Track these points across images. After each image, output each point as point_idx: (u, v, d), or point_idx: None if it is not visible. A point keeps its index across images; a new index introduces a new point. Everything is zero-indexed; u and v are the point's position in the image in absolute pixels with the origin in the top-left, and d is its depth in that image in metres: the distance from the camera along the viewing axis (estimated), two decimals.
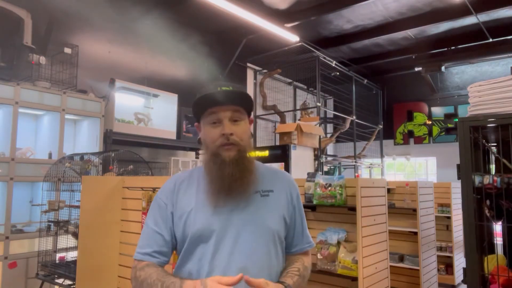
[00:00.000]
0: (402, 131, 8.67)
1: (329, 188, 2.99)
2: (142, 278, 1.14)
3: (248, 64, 7.09)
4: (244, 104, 1.23)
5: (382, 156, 8.44)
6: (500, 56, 6.94)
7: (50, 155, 3.91)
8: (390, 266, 3.29)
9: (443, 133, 8.14)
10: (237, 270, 1.09)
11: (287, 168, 5.35)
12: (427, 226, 4.37)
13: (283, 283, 1.13)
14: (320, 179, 3.11)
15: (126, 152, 3.43)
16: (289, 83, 8.02)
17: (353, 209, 2.86)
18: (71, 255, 3.17)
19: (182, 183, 1.28)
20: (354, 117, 7.38)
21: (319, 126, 6.83)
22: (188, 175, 1.30)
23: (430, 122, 8.28)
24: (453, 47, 6.89)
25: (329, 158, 7.08)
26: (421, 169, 8.81)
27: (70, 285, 2.84)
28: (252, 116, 1.30)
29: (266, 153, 5.58)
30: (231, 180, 1.16)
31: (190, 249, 1.18)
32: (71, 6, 4.39)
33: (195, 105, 1.22)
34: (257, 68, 7.24)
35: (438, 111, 8.24)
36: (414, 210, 4.24)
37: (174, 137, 5.09)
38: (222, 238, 1.15)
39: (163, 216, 1.23)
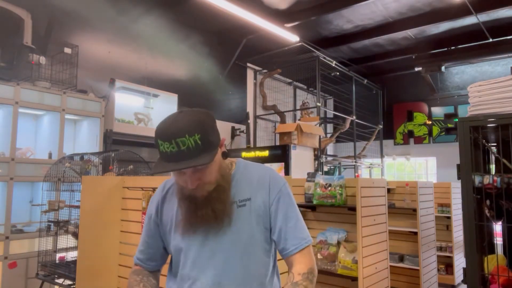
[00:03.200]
0: (402, 131, 8.67)
1: (329, 188, 2.99)
2: (128, 281, 1.30)
3: (248, 64, 7.09)
4: (204, 154, 1.06)
5: (382, 156, 8.44)
6: (500, 56, 6.94)
7: (50, 155, 3.91)
8: (390, 266, 3.29)
9: (443, 133, 8.14)
10: (212, 285, 1.14)
11: (287, 168, 5.35)
12: (427, 226, 4.37)
13: None
14: (320, 179, 3.11)
15: (126, 152, 3.43)
16: (289, 83, 8.02)
17: (353, 209, 2.86)
18: (71, 255, 3.16)
19: (168, 191, 1.30)
20: (354, 117, 7.38)
21: (319, 126, 6.83)
22: (174, 181, 1.27)
23: (430, 122, 8.28)
24: (453, 47, 6.89)
25: (329, 158, 7.08)
26: (421, 169, 8.81)
27: (70, 285, 2.83)
28: (222, 137, 1.17)
29: (266, 153, 5.58)
30: (203, 219, 1.14)
31: (175, 259, 1.26)
32: (71, 6, 4.39)
33: (159, 156, 1.11)
34: (257, 68, 7.24)
35: (438, 111, 8.24)
36: (414, 210, 4.24)
37: None
38: (199, 252, 1.18)
39: (150, 225, 1.30)
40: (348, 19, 6.15)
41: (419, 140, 8.43)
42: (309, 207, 3.29)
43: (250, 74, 7.18)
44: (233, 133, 6.55)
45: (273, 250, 1.26)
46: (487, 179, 1.74)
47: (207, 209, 1.13)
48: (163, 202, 1.29)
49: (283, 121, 6.96)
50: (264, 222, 1.20)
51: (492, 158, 2.21)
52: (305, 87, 8.07)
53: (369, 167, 8.29)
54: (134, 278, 1.29)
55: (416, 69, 7.45)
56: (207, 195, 1.13)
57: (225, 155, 1.18)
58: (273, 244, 1.25)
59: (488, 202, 1.85)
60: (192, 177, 1.10)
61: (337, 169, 8.21)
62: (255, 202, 1.20)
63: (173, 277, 1.27)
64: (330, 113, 8.29)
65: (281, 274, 1.36)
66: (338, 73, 7.24)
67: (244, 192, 1.20)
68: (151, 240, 1.30)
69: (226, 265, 1.16)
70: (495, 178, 1.72)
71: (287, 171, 5.30)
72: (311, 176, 3.24)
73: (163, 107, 5.08)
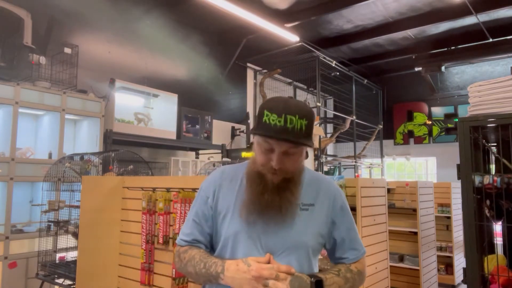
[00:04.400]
0: (402, 131, 8.67)
1: None
2: (186, 259, 1.21)
3: (248, 64, 7.09)
4: (304, 140, 1.12)
5: (382, 156, 8.44)
6: (500, 56, 6.93)
7: (50, 155, 3.91)
8: (390, 266, 3.29)
9: (443, 133, 8.14)
10: None
11: None
12: (427, 226, 4.37)
13: (311, 274, 1.14)
14: None
15: (126, 152, 3.43)
16: (289, 83, 8.02)
17: (353, 209, 2.86)
18: (71, 255, 3.16)
19: (226, 178, 1.28)
20: (354, 117, 7.38)
21: (319, 126, 6.83)
22: (234, 170, 1.30)
23: (430, 122, 8.28)
24: (453, 47, 6.89)
25: (329, 158, 7.08)
26: (421, 169, 8.81)
27: (70, 285, 2.83)
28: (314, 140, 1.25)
29: None
30: (268, 206, 1.14)
31: (221, 251, 1.22)
32: (71, 6, 4.39)
33: (257, 126, 1.15)
34: (257, 68, 7.24)
35: (438, 111, 8.24)
36: (414, 210, 4.24)
37: (174, 137, 5.08)
38: (250, 248, 1.16)
39: (203, 209, 1.26)
40: (348, 19, 6.15)
41: (419, 140, 8.43)
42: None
43: (250, 74, 7.18)
44: (233, 133, 6.55)
45: (319, 252, 1.28)
46: (487, 179, 1.74)
47: (275, 196, 1.13)
48: (221, 186, 1.26)
49: None
50: (321, 229, 1.23)
51: (492, 158, 2.20)
52: (305, 87, 8.07)
53: (369, 167, 8.29)
54: (196, 251, 1.21)
55: (416, 69, 7.45)
56: (279, 183, 1.14)
57: (307, 154, 1.21)
58: (322, 247, 1.29)
59: (488, 202, 1.85)
60: (281, 157, 1.12)
61: (337, 169, 8.21)
62: (318, 208, 1.23)
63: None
64: (330, 113, 8.29)
65: None
66: (338, 73, 7.24)
67: (309, 197, 1.23)
68: (204, 221, 1.24)
69: (279, 261, 1.14)
70: (495, 178, 1.72)
71: None
72: None
73: (163, 107, 5.08)
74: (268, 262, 1.11)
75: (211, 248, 1.27)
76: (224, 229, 1.20)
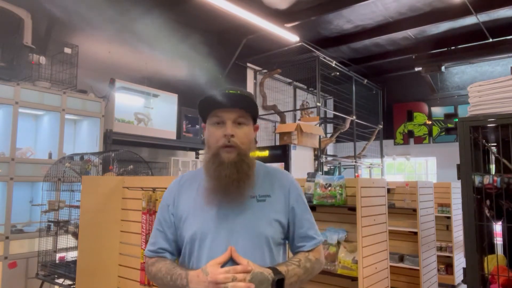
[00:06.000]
0: (402, 131, 8.67)
1: (329, 188, 2.99)
2: (153, 272, 1.24)
3: (248, 64, 7.09)
4: (249, 109, 1.24)
5: (382, 156, 8.44)
6: (500, 56, 6.93)
7: (50, 155, 3.91)
8: (390, 266, 3.29)
9: (443, 133, 8.14)
10: None
11: (287, 168, 5.35)
12: (427, 226, 4.37)
13: (273, 268, 1.15)
14: (320, 179, 3.11)
15: (126, 152, 3.43)
16: (289, 83, 8.02)
17: (353, 209, 2.86)
18: (71, 255, 3.17)
19: (185, 183, 1.32)
20: (354, 117, 7.38)
21: (319, 126, 6.83)
22: (192, 175, 1.35)
23: (430, 122, 8.28)
24: (453, 47, 6.89)
25: (329, 158, 7.08)
26: (421, 169, 8.81)
27: (70, 285, 2.83)
28: (257, 123, 1.33)
29: (266, 153, 5.58)
30: (228, 181, 1.17)
31: (187, 252, 1.24)
32: (71, 6, 4.39)
33: (201, 105, 1.25)
34: (257, 68, 7.24)
35: (438, 111, 8.24)
36: (414, 210, 4.24)
37: (174, 137, 5.09)
38: (216, 243, 1.18)
39: (165, 217, 1.30)
40: (348, 19, 6.15)
41: (419, 140, 8.43)
42: (309, 207, 3.29)
43: (250, 74, 7.18)
44: None
45: (283, 246, 1.31)
46: (487, 179, 1.74)
47: (232, 171, 1.17)
48: (179, 192, 1.30)
49: (283, 121, 6.96)
50: (281, 220, 1.26)
51: (492, 158, 2.21)
52: (305, 87, 8.07)
53: (369, 167, 8.29)
54: (163, 264, 1.23)
55: (416, 69, 7.45)
56: (235, 158, 1.19)
57: (255, 141, 1.26)
58: (285, 240, 1.32)
59: (488, 202, 1.85)
60: (232, 126, 1.20)
61: (337, 169, 8.21)
62: (274, 199, 1.27)
63: (188, 261, 1.25)
64: (330, 113, 8.29)
65: None
66: (338, 73, 7.23)
67: (264, 189, 1.27)
68: (167, 229, 1.28)
69: (245, 257, 1.16)
70: (495, 178, 1.72)
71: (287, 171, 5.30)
72: (311, 176, 3.24)
73: (163, 107, 5.08)
74: (230, 257, 1.13)
75: (178, 254, 1.30)
76: (186, 231, 1.23)
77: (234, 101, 1.21)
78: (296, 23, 5.76)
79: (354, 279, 2.79)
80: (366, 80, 7.93)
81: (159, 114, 5.01)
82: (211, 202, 1.21)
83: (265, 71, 7.27)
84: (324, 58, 6.57)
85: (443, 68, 7.20)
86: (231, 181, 1.17)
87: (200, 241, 1.20)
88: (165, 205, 1.31)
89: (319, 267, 1.30)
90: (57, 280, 2.98)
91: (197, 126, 5.45)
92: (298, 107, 7.78)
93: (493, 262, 1.81)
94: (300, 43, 6.24)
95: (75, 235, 2.95)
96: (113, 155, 3.35)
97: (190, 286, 1.11)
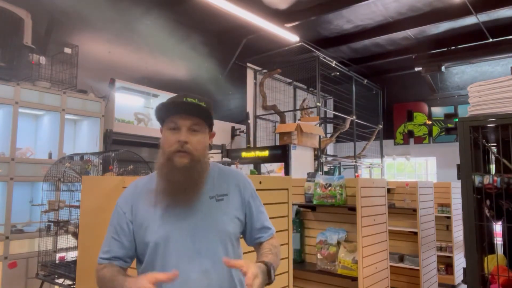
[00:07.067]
0: (402, 131, 8.67)
1: (329, 188, 2.99)
2: (99, 278, 1.26)
3: (248, 64, 7.09)
4: (204, 117, 1.28)
5: (382, 156, 8.44)
6: (500, 56, 6.93)
7: (50, 155, 3.91)
8: (390, 266, 3.29)
9: (443, 133, 8.14)
10: (200, 272, 1.20)
11: (287, 168, 5.35)
12: (427, 226, 4.37)
13: (261, 261, 1.22)
14: (320, 179, 3.11)
15: (126, 152, 3.42)
16: (289, 83, 8.02)
17: (353, 209, 2.86)
18: (71, 255, 3.16)
19: (141, 191, 1.33)
20: (354, 117, 7.38)
21: (319, 126, 6.83)
22: (147, 181, 1.36)
23: (430, 122, 8.28)
24: (453, 47, 6.89)
25: (329, 158, 7.08)
26: (421, 169, 8.81)
27: (70, 285, 2.83)
28: (214, 131, 1.37)
29: (266, 153, 5.58)
30: (178, 186, 1.22)
31: (152, 257, 1.25)
32: (71, 6, 4.39)
33: (159, 110, 1.27)
34: (257, 68, 7.24)
35: (438, 111, 8.24)
36: (414, 210, 4.24)
37: None
38: (182, 244, 1.22)
39: (122, 225, 1.30)
40: (348, 19, 6.15)
41: (419, 140, 8.43)
42: (309, 207, 3.29)
43: (250, 74, 7.18)
44: (233, 133, 6.55)
45: (239, 240, 1.38)
46: (487, 179, 1.74)
47: (184, 177, 1.22)
48: (137, 199, 1.31)
49: (283, 121, 6.96)
50: (239, 216, 1.33)
51: (492, 158, 2.21)
52: (305, 87, 8.07)
53: (369, 167, 8.29)
54: (104, 270, 1.24)
55: (416, 69, 7.45)
56: (187, 163, 1.22)
57: (210, 147, 1.35)
58: (241, 234, 1.40)
59: (488, 202, 1.85)
60: (186, 133, 1.24)
61: (337, 169, 8.21)
62: (231, 197, 1.34)
63: (153, 268, 1.24)
64: (330, 113, 8.29)
65: None
66: (338, 73, 7.23)
67: (222, 188, 1.34)
68: (124, 238, 1.28)
69: (211, 254, 1.23)
70: (495, 178, 1.72)
71: (287, 171, 5.30)
72: (311, 176, 3.24)
73: None
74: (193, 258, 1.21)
75: (138, 261, 1.32)
76: (149, 237, 1.24)
77: (190, 110, 1.25)
78: (296, 23, 5.76)
79: (354, 279, 2.79)
80: (366, 80, 7.93)
81: None
82: (170, 205, 1.25)
83: (265, 71, 7.27)
84: (324, 58, 6.57)
85: (443, 68, 7.20)
86: (182, 186, 1.22)
87: (164, 245, 1.22)
88: (121, 212, 1.32)
89: (280, 251, 1.41)
90: (57, 280, 2.98)
91: None
92: (298, 107, 7.78)
93: (493, 262, 1.81)
94: (300, 43, 6.24)
95: (75, 235, 2.95)
96: (113, 155, 3.35)
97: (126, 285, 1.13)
